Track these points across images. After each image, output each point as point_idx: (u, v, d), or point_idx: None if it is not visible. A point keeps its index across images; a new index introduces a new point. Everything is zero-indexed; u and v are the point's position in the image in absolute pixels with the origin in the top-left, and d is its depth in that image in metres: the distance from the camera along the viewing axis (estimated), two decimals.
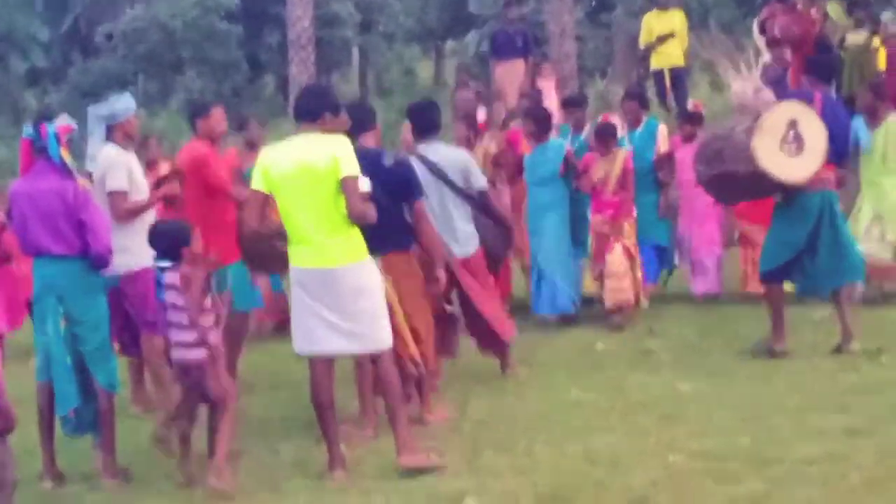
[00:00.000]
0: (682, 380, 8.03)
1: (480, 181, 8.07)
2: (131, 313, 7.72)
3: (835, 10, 15.21)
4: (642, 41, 16.36)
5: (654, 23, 15.97)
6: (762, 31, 15.43)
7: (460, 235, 7.88)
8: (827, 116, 8.35)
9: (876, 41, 14.41)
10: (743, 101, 8.46)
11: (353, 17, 29.14)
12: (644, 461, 6.33)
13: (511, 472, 6.33)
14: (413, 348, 7.05)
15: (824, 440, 6.46)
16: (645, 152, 10.52)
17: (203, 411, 6.70)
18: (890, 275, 10.30)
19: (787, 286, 8.93)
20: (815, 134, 8.17)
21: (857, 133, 10.18)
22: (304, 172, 6.26)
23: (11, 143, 18.95)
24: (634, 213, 10.21)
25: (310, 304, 6.35)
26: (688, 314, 10.30)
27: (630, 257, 9.96)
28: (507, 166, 10.65)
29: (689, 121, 10.85)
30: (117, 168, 7.57)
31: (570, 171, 10.12)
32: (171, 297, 6.44)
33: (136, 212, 7.59)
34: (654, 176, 10.57)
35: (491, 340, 8.33)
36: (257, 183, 6.41)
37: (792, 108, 8.25)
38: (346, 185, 6.23)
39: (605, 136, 10.09)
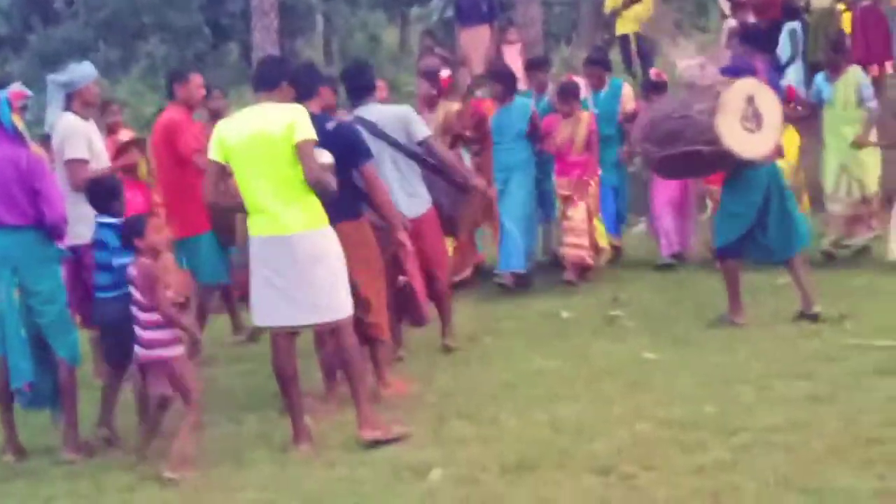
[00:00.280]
0: (647, 348, 8.04)
1: (423, 130, 7.78)
2: (91, 284, 7.63)
3: None
4: (608, 6, 16.29)
5: None
6: None
7: (408, 195, 7.68)
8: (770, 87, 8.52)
9: (840, 5, 14.43)
10: (691, 79, 8.49)
11: None
12: (609, 429, 6.33)
13: (476, 442, 6.31)
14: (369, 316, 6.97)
15: (788, 408, 6.48)
16: (611, 113, 10.53)
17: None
18: (856, 228, 10.40)
19: None
20: (771, 109, 8.29)
21: (819, 88, 10.50)
22: (260, 140, 6.21)
23: None
24: (599, 173, 10.29)
25: (268, 275, 6.28)
26: (652, 282, 10.31)
27: (592, 216, 10.06)
28: (474, 131, 10.55)
29: (654, 89, 10.83)
30: (76, 137, 7.46)
31: (535, 131, 10.11)
32: (132, 291, 6.32)
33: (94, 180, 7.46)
34: (619, 135, 10.58)
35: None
36: (214, 153, 6.36)
37: (748, 85, 8.31)
38: (301, 150, 6.18)
39: (567, 95, 10.11)
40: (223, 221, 7.83)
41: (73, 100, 7.52)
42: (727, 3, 15.26)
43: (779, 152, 8.83)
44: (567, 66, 18.36)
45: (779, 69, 11.56)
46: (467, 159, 10.37)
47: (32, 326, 6.65)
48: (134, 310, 6.31)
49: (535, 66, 11.45)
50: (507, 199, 10.09)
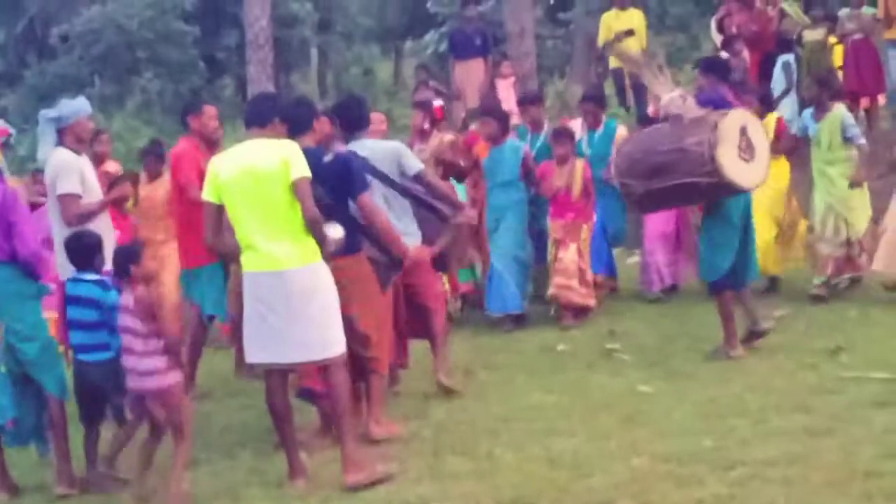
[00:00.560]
0: (643, 381, 8.01)
1: (416, 164, 7.63)
2: None
3: (792, 8, 15.28)
4: (601, 40, 16.35)
5: (612, 22, 15.96)
6: (720, 29, 15.50)
7: (400, 233, 7.35)
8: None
9: (832, 38, 14.51)
10: (675, 111, 8.47)
11: (311, 16, 28.98)
12: (606, 464, 6.30)
13: (472, 477, 6.27)
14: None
15: (785, 441, 6.45)
16: (604, 154, 10.50)
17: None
18: (844, 270, 10.37)
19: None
20: (761, 138, 8.37)
21: (806, 125, 10.48)
22: (252, 176, 6.18)
23: None
24: (594, 218, 10.25)
25: (260, 311, 6.24)
26: (648, 315, 10.29)
27: (583, 259, 10.02)
28: (465, 169, 10.52)
29: (649, 124, 10.81)
30: (68, 171, 7.43)
31: (529, 174, 10.09)
32: (125, 320, 6.29)
33: (87, 215, 7.42)
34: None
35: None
36: (208, 193, 6.34)
37: (741, 116, 8.37)
38: (299, 187, 6.15)
39: (562, 139, 10.07)
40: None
41: (65, 135, 7.50)
42: (719, 37, 15.33)
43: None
44: (561, 99, 18.44)
45: (770, 103, 11.55)
46: (463, 193, 10.36)
47: (16, 363, 6.61)
48: (128, 339, 6.26)
49: (529, 101, 11.35)
50: (498, 241, 10.07)
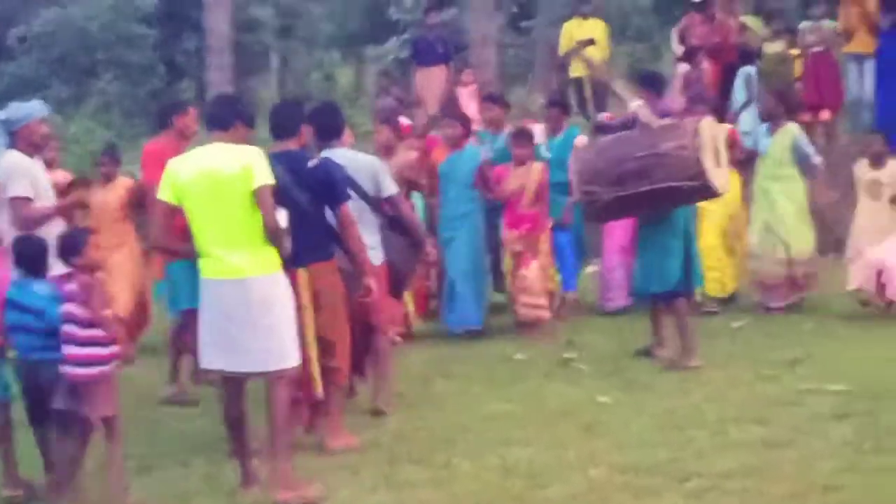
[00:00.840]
0: (601, 391, 7.98)
1: (391, 188, 7.62)
2: None
3: (752, 21, 15.34)
4: (562, 49, 16.33)
5: (574, 31, 15.93)
6: (681, 40, 15.52)
7: (367, 246, 7.16)
8: None
9: (793, 51, 14.56)
10: (644, 119, 8.58)
11: (272, 21, 28.88)
12: (563, 474, 6.26)
13: (429, 486, 6.21)
14: (315, 368, 6.73)
15: (743, 453, 6.43)
16: (564, 159, 10.46)
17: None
18: (776, 292, 10.32)
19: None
20: (723, 146, 8.61)
21: (758, 139, 10.46)
22: (213, 181, 6.05)
23: None
24: (549, 226, 10.12)
25: (219, 319, 6.12)
26: (606, 324, 10.28)
27: (545, 274, 9.90)
28: (422, 179, 10.44)
29: (603, 132, 10.77)
30: (18, 174, 7.26)
31: (486, 181, 9.99)
32: (69, 308, 6.15)
33: (39, 219, 7.21)
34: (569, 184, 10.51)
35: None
36: (164, 193, 6.21)
37: (710, 123, 8.55)
38: (260, 195, 6.02)
39: (521, 141, 9.99)
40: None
41: (17, 138, 7.36)
42: (680, 48, 15.36)
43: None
44: (522, 108, 18.40)
45: (722, 114, 11.57)
46: (420, 204, 10.32)
47: None
48: (71, 327, 6.10)
49: (493, 100, 11.25)
50: (455, 254, 9.97)
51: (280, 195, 6.23)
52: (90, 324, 6.09)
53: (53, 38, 26.69)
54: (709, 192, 8.41)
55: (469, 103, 15.01)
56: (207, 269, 6.16)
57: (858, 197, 10.61)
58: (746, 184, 10.68)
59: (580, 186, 8.64)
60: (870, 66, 14.08)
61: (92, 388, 6.13)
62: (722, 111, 11.76)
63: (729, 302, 10.61)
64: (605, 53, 16.07)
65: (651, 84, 9.30)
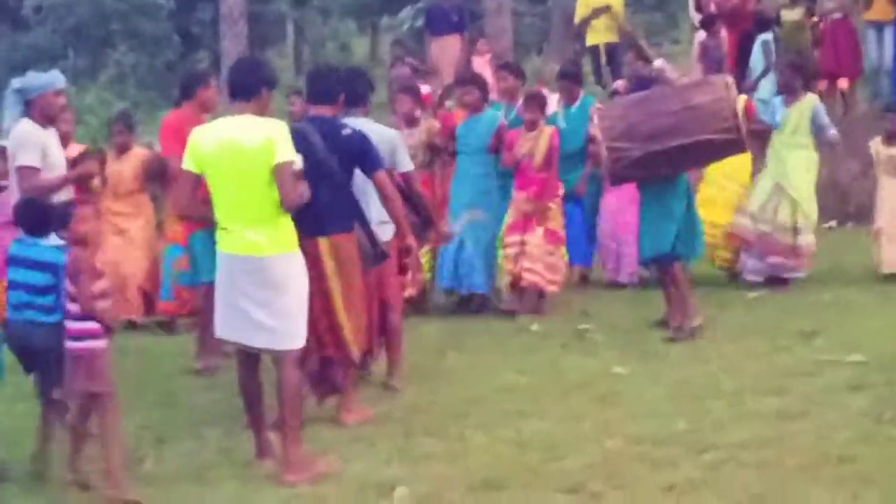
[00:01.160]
0: (617, 362, 7.96)
1: (407, 163, 7.59)
2: None
3: None
4: (578, 17, 16.24)
5: None
6: (698, 7, 15.42)
7: (380, 220, 7.16)
8: None
9: (812, 19, 14.45)
10: (669, 76, 8.65)
11: None
12: (579, 446, 6.24)
13: (443, 459, 6.20)
14: (348, 333, 6.71)
15: (759, 424, 6.41)
16: (579, 129, 10.40)
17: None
18: (778, 254, 10.23)
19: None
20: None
21: (775, 111, 10.32)
22: (234, 153, 5.96)
23: None
24: (560, 193, 10.00)
25: (232, 292, 6.08)
26: (621, 295, 10.26)
27: (553, 242, 9.78)
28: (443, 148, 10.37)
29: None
30: (28, 144, 7.22)
31: (501, 145, 9.93)
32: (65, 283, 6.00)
33: (45, 189, 7.14)
34: (585, 153, 10.43)
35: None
36: (187, 162, 6.13)
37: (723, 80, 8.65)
38: (280, 172, 5.93)
39: (533, 104, 9.90)
40: None
41: (32, 108, 7.32)
42: (698, 16, 15.25)
43: None
44: (537, 76, 18.31)
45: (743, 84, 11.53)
46: None
47: None
48: (66, 303, 5.99)
49: (509, 69, 11.03)
50: (477, 218, 9.85)
51: (311, 161, 6.20)
52: (74, 298, 5.94)
53: (69, 8, 26.64)
54: (739, 146, 8.49)
55: (484, 72, 14.92)
56: (224, 242, 6.10)
57: (878, 176, 10.52)
58: (756, 159, 10.49)
59: (608, 143, 8.44)
60: (889, 34, 13.98)
61: (81, 362, 5.97)
62: (739, 80, 11.66)
63: (739, 275, 10.51)
64: (622, 21, 15.98)
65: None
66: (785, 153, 10.22)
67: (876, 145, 10.47)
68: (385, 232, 7.21)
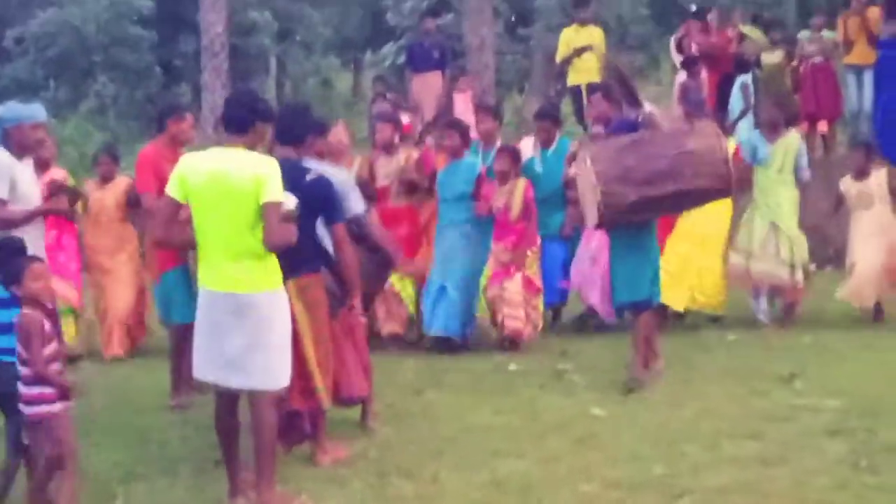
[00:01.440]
0: (595, 403, 7.88)
1: (358, 206, 7.31)
2: None
3: (752, 30, 15.31)
4: (560, 56, 16.26)
5: (572, 38, 15.84)
6: (679, 49, 15.48)
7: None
8: None
9: (790, 63, 14.54)
10: (656, 120, 8.59)
11: (270, 25, 28.73)
12: (555, 489, 6.17)
13: (417, 501, 6.11)
14: (319, 380, 6.62)
15: (738, 468, 6.35)
16: (556, 172, 10.37)
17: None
18: (785, 293, 10.28)
19: None
20: None
21: (755, 145, 10.37)
22: (223, 188, 5.86)
23: None
24: (538, 242, 10.01)
25: (212, 330, 5.98)
26: (600, 336, 10.18)
27: (531, 290, 9.77)
28: (425, 187, 10.32)
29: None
30: None
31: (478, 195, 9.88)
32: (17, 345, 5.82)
33: (9, 222, 6.87)
34: (562, 195, 10.39)
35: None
36: (173, 190, 6.02)
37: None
38: (267, 211, 5.84)
39: (502, 158, 9.89)
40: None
41: (7, 137, 7.20)
42: (679, 57, 15.30)
43: None
44: (519, 115, 18.36)
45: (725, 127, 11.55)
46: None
47: None
48: (18, 366, 5.78)
49: (486, 111, 10.99)
50: (455, 261, 9.84)
51: None
52: (28, 363, 5.74)
53: (50, 39, 26.61)
54: (727, 193, 8.49)
55: (465, 110, 14.94)
56: (206, 278, 6.01)
57: (851, 212, 10.54)
58: (736, 202, 10.48)
59: (602, 186, 8.26)
60: (869, 78, 14.06)
61: (39, 427, 5.80)
62: (720, 121, 11.69)
63: (719, 319, 10.51)
64: (603, 61, 15.99)
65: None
66: (774, 191, 10.28)
67: (845, 183, 10.51)
68: None
